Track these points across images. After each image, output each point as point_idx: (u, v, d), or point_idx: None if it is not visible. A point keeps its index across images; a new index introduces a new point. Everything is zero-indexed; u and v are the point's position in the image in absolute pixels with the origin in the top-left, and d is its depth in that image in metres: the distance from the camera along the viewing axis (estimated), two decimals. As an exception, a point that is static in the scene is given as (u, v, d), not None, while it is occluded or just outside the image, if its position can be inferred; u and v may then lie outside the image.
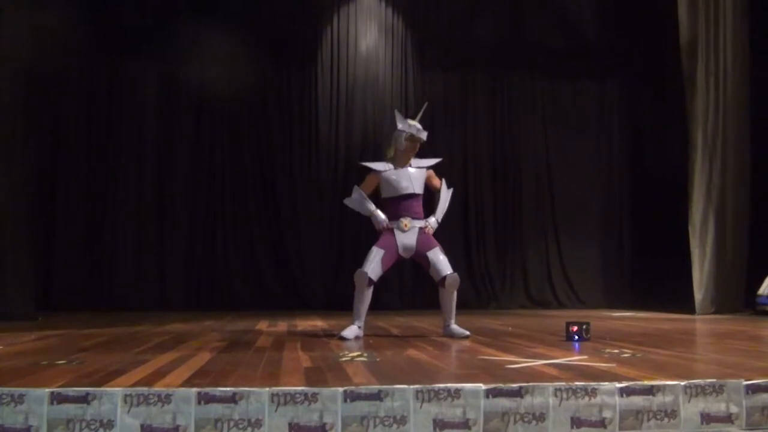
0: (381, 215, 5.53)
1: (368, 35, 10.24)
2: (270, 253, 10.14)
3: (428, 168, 5.65)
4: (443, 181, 5.72)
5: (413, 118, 5.64)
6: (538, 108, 10.77)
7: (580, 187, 10.70)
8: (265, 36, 10.10)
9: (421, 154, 5.72)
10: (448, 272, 5.37)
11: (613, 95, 10.85)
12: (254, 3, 9.96)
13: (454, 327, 5.47)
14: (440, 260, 5.39)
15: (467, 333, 5.41)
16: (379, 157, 6.08)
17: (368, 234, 9.91)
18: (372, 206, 5.58)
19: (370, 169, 5.68)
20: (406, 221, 5.44)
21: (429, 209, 5.64)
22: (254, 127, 10.21)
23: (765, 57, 8.77)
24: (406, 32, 10.39)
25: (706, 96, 8.54)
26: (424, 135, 5.52)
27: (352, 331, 5.35)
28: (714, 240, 8.46)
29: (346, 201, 5.71)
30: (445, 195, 5.68)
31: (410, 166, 5.56)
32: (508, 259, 10.52)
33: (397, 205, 5.50)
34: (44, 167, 9.21)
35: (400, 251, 5.45)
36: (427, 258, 5.41)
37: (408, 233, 5.43)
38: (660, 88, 9.84)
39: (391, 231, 5.47)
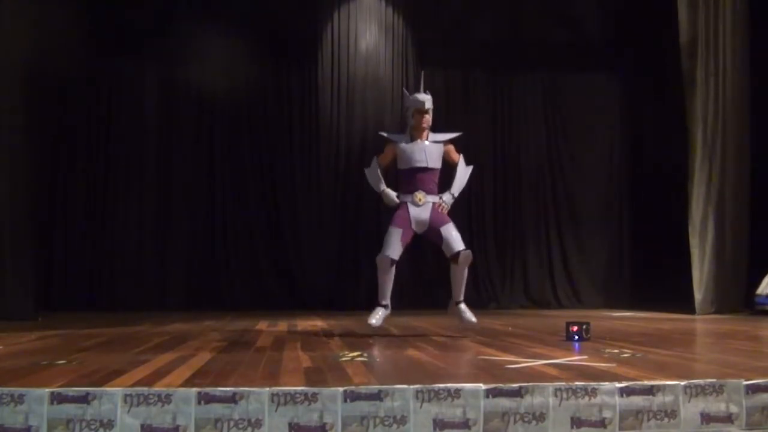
0: (391, 194, 5.50)
1: (368, 34, 10.24)
2: (270, 253, 10.14)
3: (446, 142, 5.59)
4: (461, 156, 5.65)
5: (420, 91, 5.61)
6: (538, 108, 10.78)
7: (580, 187, 10.70)
8: (265, 35, 10.10)
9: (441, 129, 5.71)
10: (461, 248, 5.34)
11: (612, 96, 10.85)
12: (254, 3, 9.96)
13: (463, 307, 5.44)
14: (453, 236, 5.35)
15: (474, 320, 5.38)
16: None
17: (368, 234, 9.98)
18: (383, 185, 5.56)
19: (388, 141, 5.68)
20: (420, 195, 5.41)
21: (446, 187, 5.58)
22: (254, 126, 10.21)
23: (765, 57, 8.77)
24: (406, 31, 10.38)
25: (706, 96, 8.54)
26: (426, 104, 5.47)
27: (379, 315, 5.37)
28: (714, 239, 8.46)
29: (366, 170, 5.70)
30: (462, 171, 5.60)
31: (428, 140, 5.52)
32: (508, 259, 10.53)
33: (411, 177, 5.48)
34: (44, 167, 9.20)
35: (413, 225, 5.40)
36: (440, 233, 5.36)
37: (422, 208, 5.40)
38: (660, 87, 9.84)
39: (404, 205, 5.43)
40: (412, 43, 10.41)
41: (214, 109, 10.13)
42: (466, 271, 5.44)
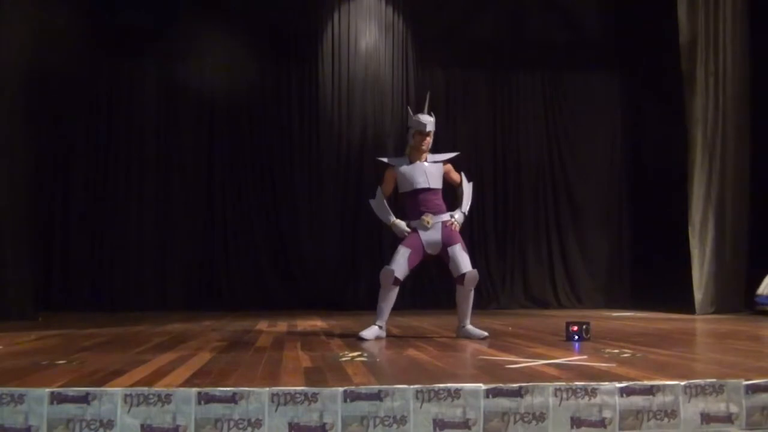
0: (401, 224, 5.43)
1: (368, 33, 10.23)
2: (270, 252, 10.14)
3: (444, 162, 5.57)
4: (462, 174, 5.64)
5: (424, 112, 5.58)
6: (538, 108, 10.77)
7: (580, 187, 10.71)
8: (265, 35, 10.11)
9: (440, 148, 5.66)
10: (468, 269, 5.30)
11: (612, 95, 10.84)
12: (254, 2, 9.96)
13: (470, 328, 5.38)
14: (461, 256, 5.29)
15: (485, 334, 5.32)
16: (383, 154, 6.10)
17: (369, 234, 9.98)
18: (392, 216, 5.48)
19: (387, 166, 5.64)
20: (427, 218, 5.34)
21: (450, 206, 5.56)
22: (254, 126, 10.21)
23: (765, 57, 8.77)
24: (406, 30, 10.37)
25: (706, 96, 8.54)
26: (427, 127, 5.44)
27: (372, 331, 5.29)
28: (714, 240, 8.46)
29: (371, 202, 5.63)
30: (467, 189, 5.59)
31: (426, 161, 5.50)
32: (508, 259, 10.52)
33: (414, 199, 5.43)
34: (45, 167, 9.21)
35: (427, 249, 5.34)
36: (447, 253, 5.32)
37: (432, 230, 5.35)
38: (660, 87, 9.83)
39: (414, 231, 5.37)
40: (412, 42, 10.40)
41: (214, 108, 10.13)
42: (472, 293, 5.37)
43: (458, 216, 5.45)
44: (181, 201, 10.03)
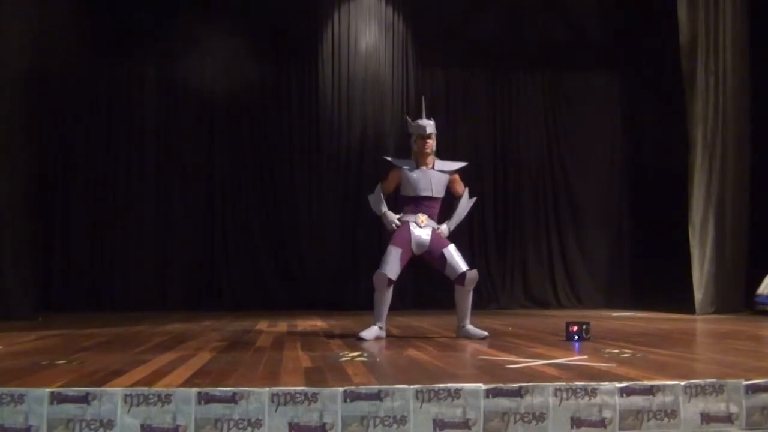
0: (391, 216, 5.46)
1: (368, 33, 10.23)
2: (270, 252, 10.14)
3: (452, 172, 5.57)
4: (466, 189, 5.64)
5: (422, 116, 5.58)
6: (538, 108, 10.77)
7: (580, 187, 10.70)
8: (265, 35, 10.11)
9: (440, 149, 5.67)
10: (466, 268, 5.31)
11: (612, 95, 10.84)
12: (255, 2, 9.96)
13: (470, 328, 5.40)
14: (456, 258, 5.32)
15: (485, 333, 5.33)
16: (383, 154, 6.09)
17: (369, 234, 9.97)
18: (384, 207, 5.52)
19: (392, 166, 5.64)
20: (423, 217, 5.39)
21: (446, 215, 5.58)
22: (254, 126, 10.21)
23: (765, 57, 8.77)
24: (406, 30, 10.37)
25: (706, 96, 8.54)
26: (427, 129, 5.45)
27: (372, 332, 5.31)
28: (714, 240, 8.46)
29: (369, 196, 5.66)
30: (464, 204, 5.60)
31: (434, 167, 5.51)
32: (508, 259, 10.52)
33: (414, 203, 5.46)
34: (45, 167, 9.22)
35: (413, 246, 5.35)
36: (443, 256, 5.33)
37: (423, 229, 5.37)
38: (660, 88, 9.83)
39: (405, 225, 5.39)
40: (412, 42, 10.40)
41: (214, 108, 10.13)
42: (471, 293, 5.39)
43: (444, 229, 5.49)
44: (181, 201, 10.03)
